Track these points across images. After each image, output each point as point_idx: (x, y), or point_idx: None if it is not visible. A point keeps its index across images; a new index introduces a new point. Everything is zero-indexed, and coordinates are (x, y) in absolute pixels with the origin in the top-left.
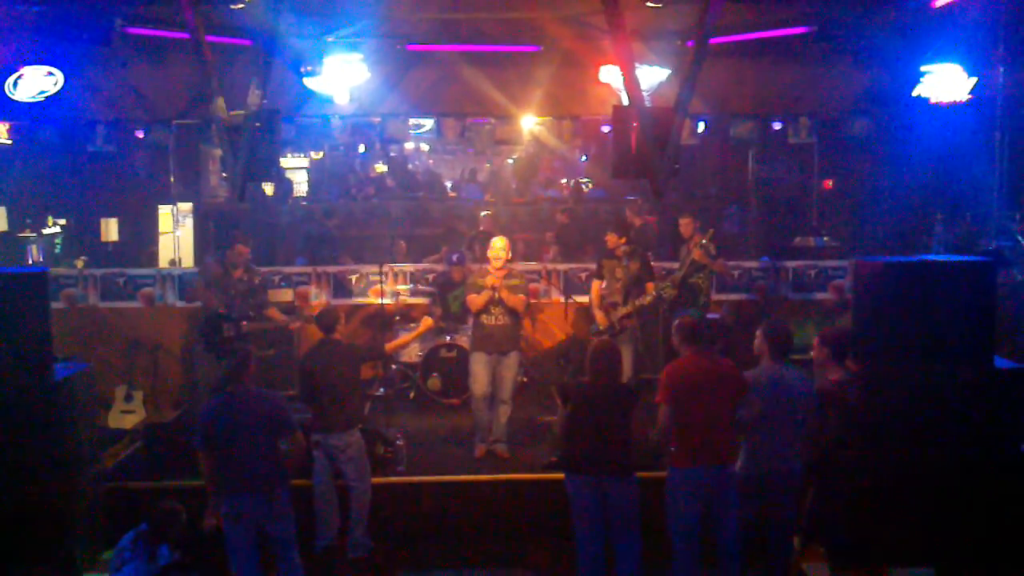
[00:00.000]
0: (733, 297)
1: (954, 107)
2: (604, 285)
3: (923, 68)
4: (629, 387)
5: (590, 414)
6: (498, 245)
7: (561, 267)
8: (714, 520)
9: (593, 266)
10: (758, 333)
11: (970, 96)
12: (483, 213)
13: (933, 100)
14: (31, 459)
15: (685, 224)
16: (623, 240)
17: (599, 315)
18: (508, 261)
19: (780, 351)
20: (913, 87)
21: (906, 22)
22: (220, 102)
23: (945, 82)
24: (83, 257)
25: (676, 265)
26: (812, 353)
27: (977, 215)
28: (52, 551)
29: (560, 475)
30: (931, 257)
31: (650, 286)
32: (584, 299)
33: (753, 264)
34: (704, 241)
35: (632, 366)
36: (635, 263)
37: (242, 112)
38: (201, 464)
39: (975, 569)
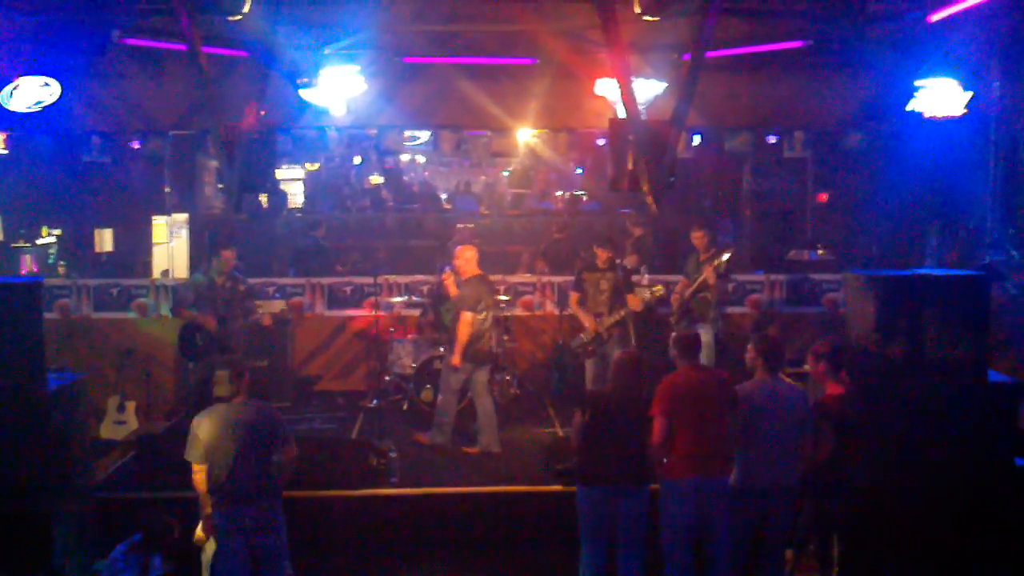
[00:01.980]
0: (727, 311)
1: (949, 121)
2: (581, 298)
3: (918, 82)
4: (648, 398)
5: (609, 424)
6: (462, 254)
7: (556, 279)
8: (707, 532)
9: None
10: (750, 347)
11: (965, 110)
12: (459, 225)
13: (928, 114)
14: (23, 469)
15: (699, 237)
16: (611, 255)
17: (588, 320)
18: (456, 269)
19: (773, 364)
20: (908, 101)
21: (901, 36)
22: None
23: (940, 96)
24: (62, 263)
25: (673, 277)
26: (807, 366)
27: (971, 229)
28: (43, 562)
29: (554, 487)
30: (925, 271)
31: (631, 298)
32: None
33: (747, 277)
34: (720, 262)
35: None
36: (617, 274)
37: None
38: (194, 476)
39: None
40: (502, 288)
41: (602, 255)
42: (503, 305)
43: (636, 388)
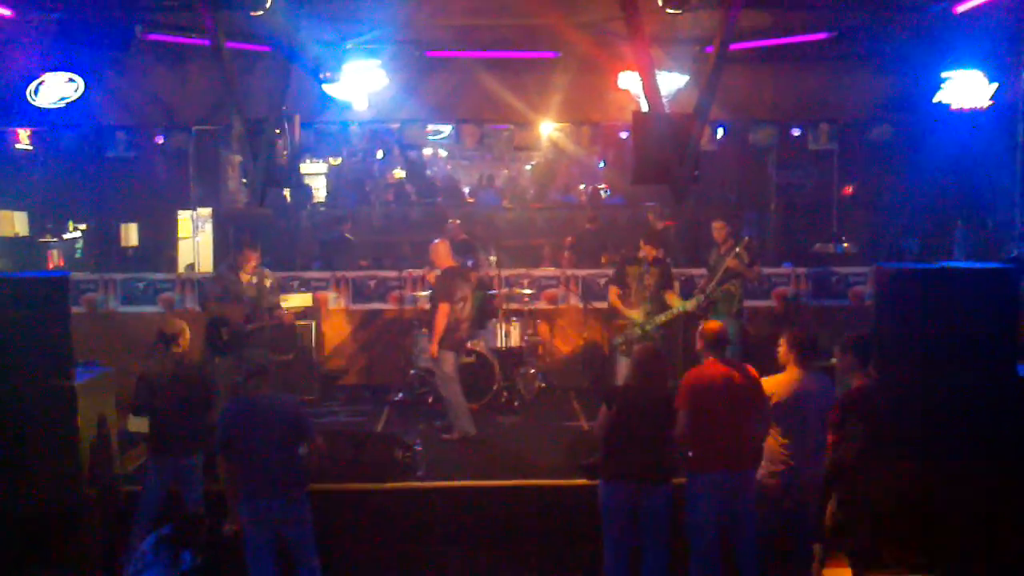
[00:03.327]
0: (752, 304)
1: (975, 113)
2: (622, 292)
3: (944, 74)
4: (673, 393)
5: (633, 419)
6: (434, 249)
7: (580, 273)
8: (734, 526)
9: (611, 272)
10: (782, 341)
11: (991, 102)
12: (449, 220)
13: (954, 106)
14: (51, 462)
15: (718, 229)
16: (657, 251)
17: (634, 314)
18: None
19: (805, 358)
20: (934, 93)
21: (927, 28)
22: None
23: (966, 88)
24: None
25: (696, 271)
26: (834, 360)
27: (998, 221)
28: (72, 554)
29: (580, 481)
30: (952, 264)
31: (670, 295)
32: (602, 304)
33: (773, 270)
34: (739, 250)
35: None
36: (660, 269)
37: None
38: (221, 469)
39: None
40: (525, 282)
41: (651, 252)
42: (527, 297)
43: (660, 383)
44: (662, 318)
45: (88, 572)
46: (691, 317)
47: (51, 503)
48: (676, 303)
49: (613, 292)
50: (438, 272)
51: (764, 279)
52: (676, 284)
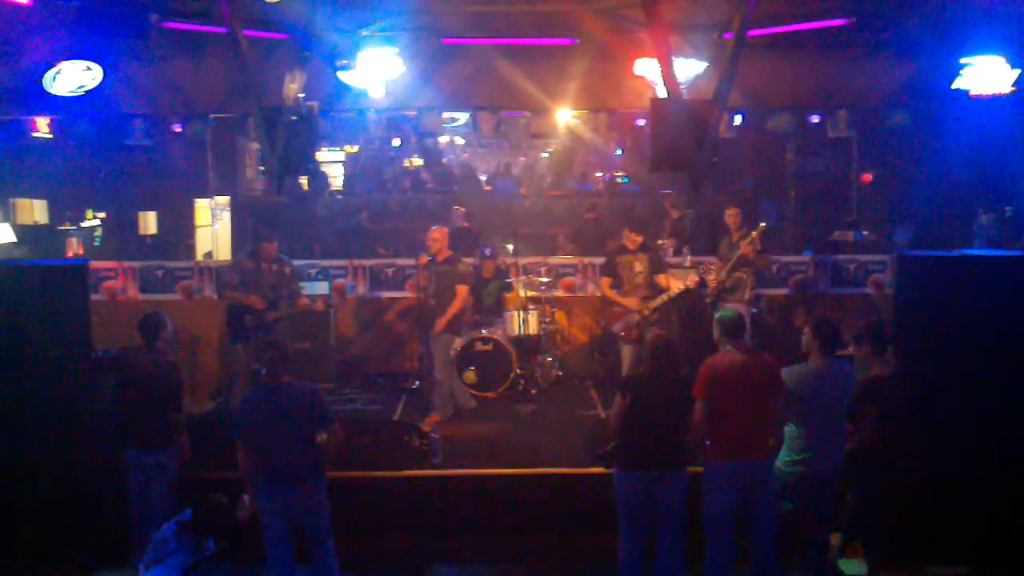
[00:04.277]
0: (769, 292)
1: (996, 100)
2: (615, 282)
3: (964, 60)
4: (687, 381)
5: (648, 407)
6: (437, 235)
7: (597, 260)
8: (750, 514)
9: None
10: (806, 329)
11: (1013, 88)
12: (454, 207)
13: (974, 92)
14: (71, 448)
15: (731, 215)
16: (643, 238)
17: (631, 303)
18: (437, 249)
19: (829, 347)
20: (953, 79)
21: (947, 13)
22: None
23: (987, 74)
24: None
25: (712, 259)
26: (851, 349)
27: (1018, 209)
28: (89, 540)
29: (596, 469)
30: (972, 251)
31: (661, 278)
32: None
33: (791, 258)
34: (754, 235)
35: None
36: (648, 255)
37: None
38: (238, 455)
39: (1014, 569)
40: (543, 269)
41: (636, 239)
42: (544, 285)
43: (673, 370)
44: (657, 302)
45: (104, 558)
46: (697, 307)
47: (67, 489)
48: (673, 285)
49: (605, 283)
50: (433, 259)
51: (782, 267)
52: (692, 271)
